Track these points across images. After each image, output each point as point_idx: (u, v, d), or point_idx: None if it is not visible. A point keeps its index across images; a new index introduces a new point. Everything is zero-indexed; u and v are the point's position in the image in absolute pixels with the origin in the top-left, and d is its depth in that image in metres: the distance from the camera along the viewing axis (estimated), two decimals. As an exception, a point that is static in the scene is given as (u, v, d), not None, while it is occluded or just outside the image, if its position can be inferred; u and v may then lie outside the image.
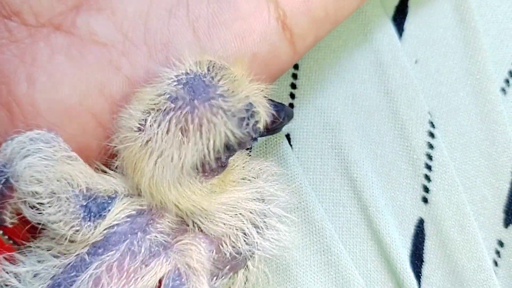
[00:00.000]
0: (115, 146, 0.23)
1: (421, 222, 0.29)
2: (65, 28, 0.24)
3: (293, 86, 0.31)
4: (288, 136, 0.30)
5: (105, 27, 0.24)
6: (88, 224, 0.22)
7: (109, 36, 0.24)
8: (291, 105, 0.30)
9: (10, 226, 0.23)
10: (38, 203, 0.22)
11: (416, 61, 0.31)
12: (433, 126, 0.29)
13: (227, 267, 0.24)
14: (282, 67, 0.25)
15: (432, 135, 0.29)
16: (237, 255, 0.24)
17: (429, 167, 0.29)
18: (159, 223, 0.23)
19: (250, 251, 0.24)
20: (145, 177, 0.22)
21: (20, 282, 0.22)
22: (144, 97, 0.22)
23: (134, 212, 0.23)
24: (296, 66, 0.31)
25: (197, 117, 0.22)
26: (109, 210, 0.22)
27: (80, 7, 0.24)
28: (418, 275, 0.29)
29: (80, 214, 0.22)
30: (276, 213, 0.25)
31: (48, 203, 0.22)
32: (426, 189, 0.29)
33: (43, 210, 0.22)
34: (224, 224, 0.24)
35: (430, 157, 0.29)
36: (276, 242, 0.25)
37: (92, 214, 0.22)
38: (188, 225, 0.24)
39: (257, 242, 0.24)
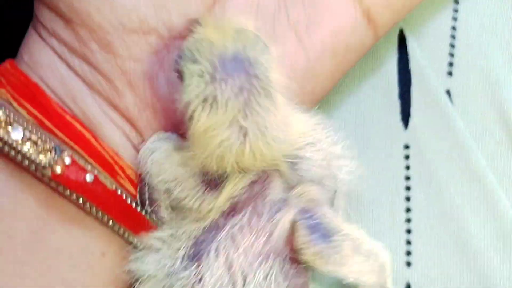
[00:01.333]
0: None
1: None
2: None
3: (452, 45, 0.33)
4: (448, 92, 0.32)
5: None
6: (210, 194, 0.26)
7: None
8: (451, 64, 0.33)
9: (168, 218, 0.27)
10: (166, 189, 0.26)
11: None
12: None
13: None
14: (366, 51, 0.30)
15: None
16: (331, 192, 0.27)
17: None
18: (271, 187, 0.26)
19: (336, 187, 0.27)
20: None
21: (162, 243, 0.27)
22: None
23: (247, 184, 0.26)
24: (454, 27, 0.33)
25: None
26: (224, 186, 0.26)
27: (214, 5, 0.28)
28: None
29: (200, 189, 0.26)
30: (340, 151, 0.28)
31: (174, 186, 0.26)
32: None
33: (173, 192, 0.26)
34: (318, 166, 0.27)
35: None
36: (352, 174, 0.28)
37: (210, 187, 0.26)
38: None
39: (340, 179, 0.27)
